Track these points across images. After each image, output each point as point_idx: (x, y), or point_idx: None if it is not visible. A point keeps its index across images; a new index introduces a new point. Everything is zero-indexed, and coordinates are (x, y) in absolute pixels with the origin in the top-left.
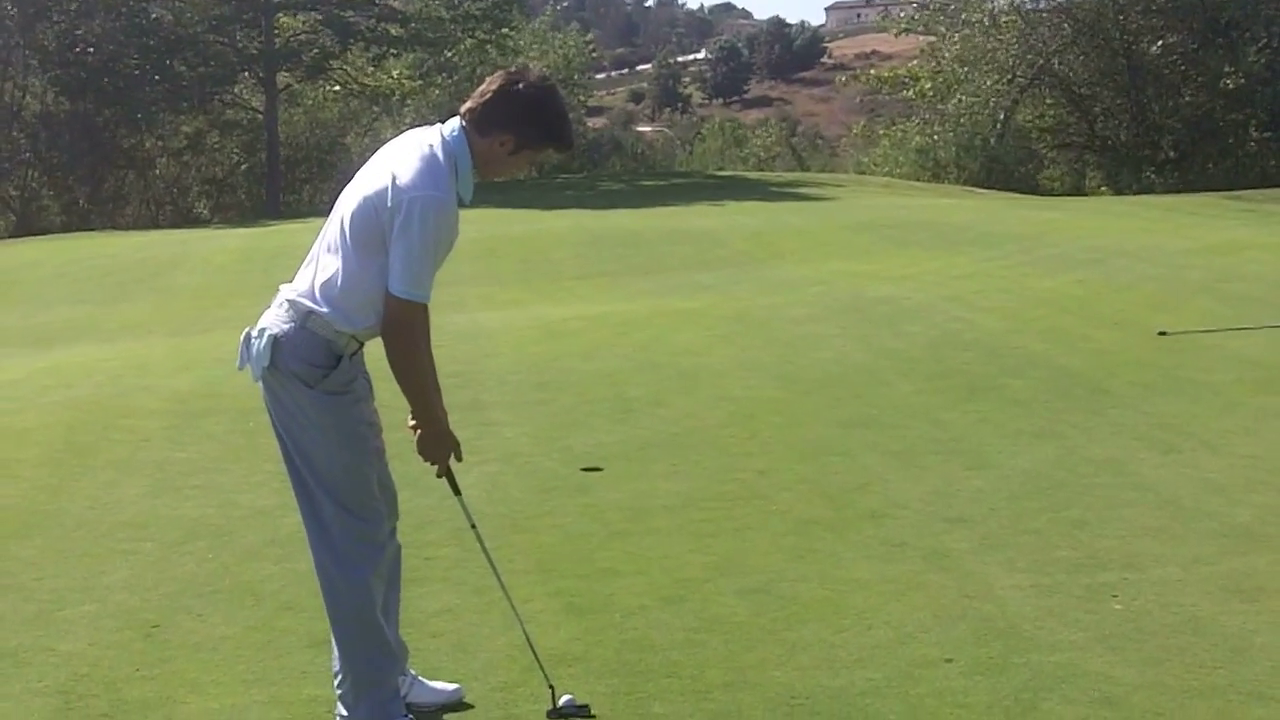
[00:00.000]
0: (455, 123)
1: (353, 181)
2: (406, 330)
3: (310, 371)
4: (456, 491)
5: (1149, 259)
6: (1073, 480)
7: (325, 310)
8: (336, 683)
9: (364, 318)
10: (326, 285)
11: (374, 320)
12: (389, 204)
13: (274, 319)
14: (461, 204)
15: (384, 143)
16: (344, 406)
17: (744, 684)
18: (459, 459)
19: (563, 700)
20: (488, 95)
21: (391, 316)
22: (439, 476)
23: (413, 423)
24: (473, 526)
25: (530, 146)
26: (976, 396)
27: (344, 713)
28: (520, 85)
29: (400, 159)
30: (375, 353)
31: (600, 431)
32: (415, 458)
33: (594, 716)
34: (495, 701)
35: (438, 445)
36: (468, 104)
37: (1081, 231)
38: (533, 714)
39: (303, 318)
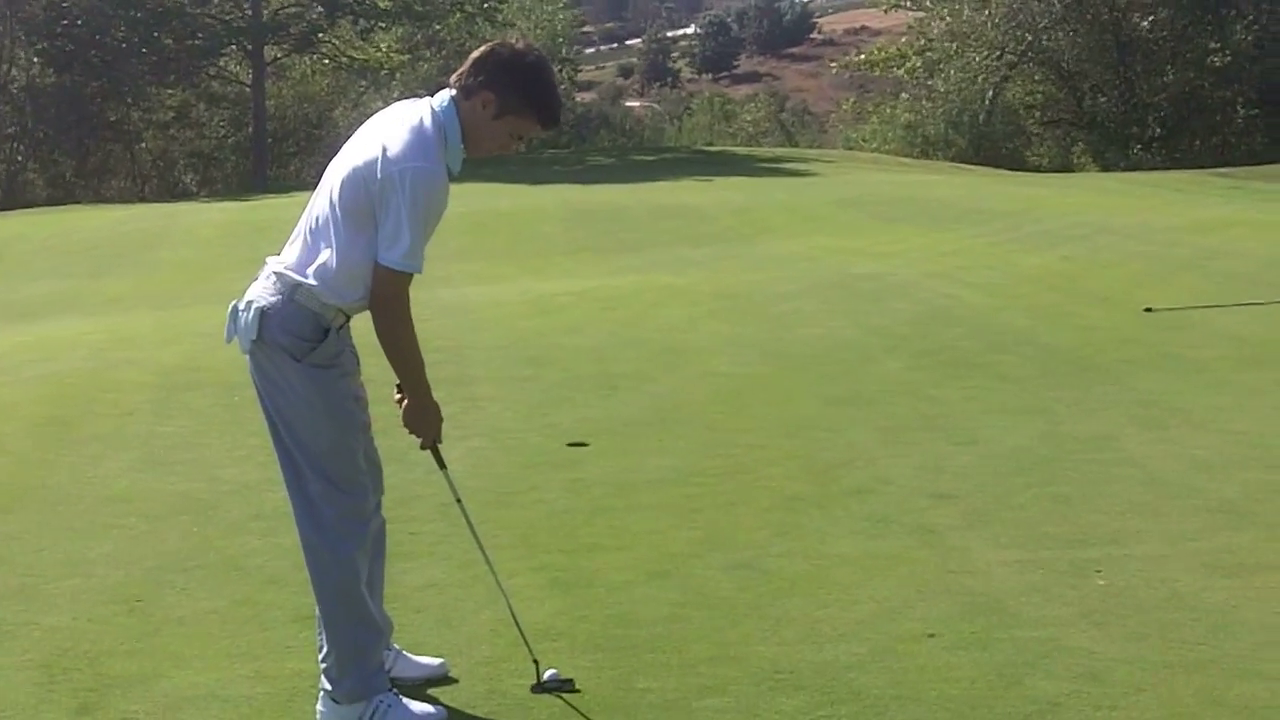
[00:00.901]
0: (445, 94)
1: (340, 153)
2: (395, 302)
3: (297, 344)
4: (441, 465)
5: (1136, 236)
6: (1059, 456)
7: (313, 283)
8: (321, 656)
9: (352, 290)
10: (314, 258)
11: (362, 293)
12: (378, 176)
13: (261, 291)
14: (450, 176)
15: (372, 115)
16: (330, 380)
17: (729, 658)
18: (438, 439)
19: (547, 675)
20: (474, 56)
21: (380, 288)
22: (423, 449)
23: (399, 396)
24: (458, 501)
25: (512, 111)
26: (963, 373)
27: (328, 687)
28: (503, 48)
29: (389, 131)
30: (362, 327)
31: (586, 407)
32: (400, 432)
33: (578, 690)
34: (480, 676)
35: (424, 417)
36: (455, 73)
37: (1068, 208)
38: (517, 689)
39: (290, 290)
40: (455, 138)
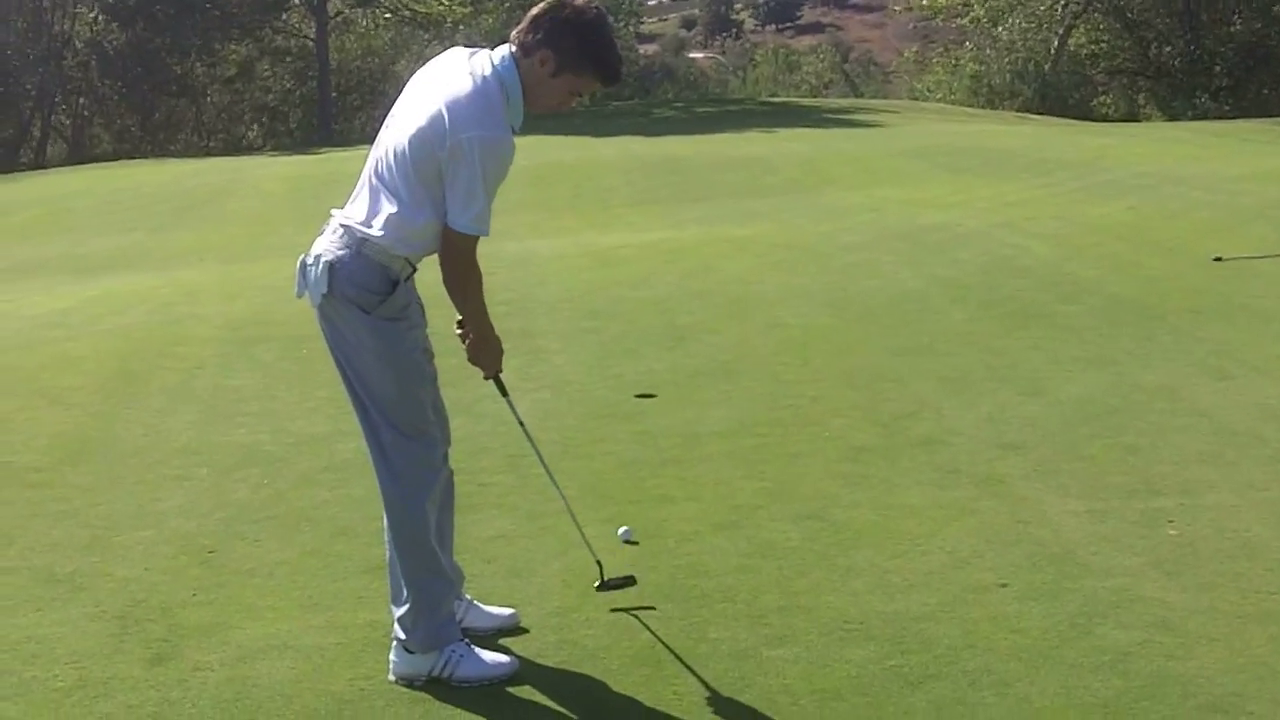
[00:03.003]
0: (505, 49)
1: (400, 104)
2: (465, 259)
3: (367, 297)
4: (504, 393)
5: (1202, 185)
6: (1126, 407)
7: (380, 236)
8: (395, 607)
9: (420, 243)
10: (380, 211)
11: (429, 246)
12: (446, 143)
13: (328, 245)
14: (512, 131)
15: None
16: (399, 333)
17: (798, 609)
18: (500, 370)
19: (621, 531)
20: (533, 13)
21: (452, 249)
22: (486, 379)
23: (460, 330)
24: (520, 424)
25: (571, 69)
26: (1029, 323)
27: (401, 635)
28: (562, 6)
29: (453, 90)
30: (427, 279)
31: (651, 359)
32: (468, 384)
33: (636, 584)
34: (550, 626)
35: (487, 349)
36: (515, 29)
37: (1134, 158)
38: (588, 639)
39: (358, 244)
40: (516, 94)
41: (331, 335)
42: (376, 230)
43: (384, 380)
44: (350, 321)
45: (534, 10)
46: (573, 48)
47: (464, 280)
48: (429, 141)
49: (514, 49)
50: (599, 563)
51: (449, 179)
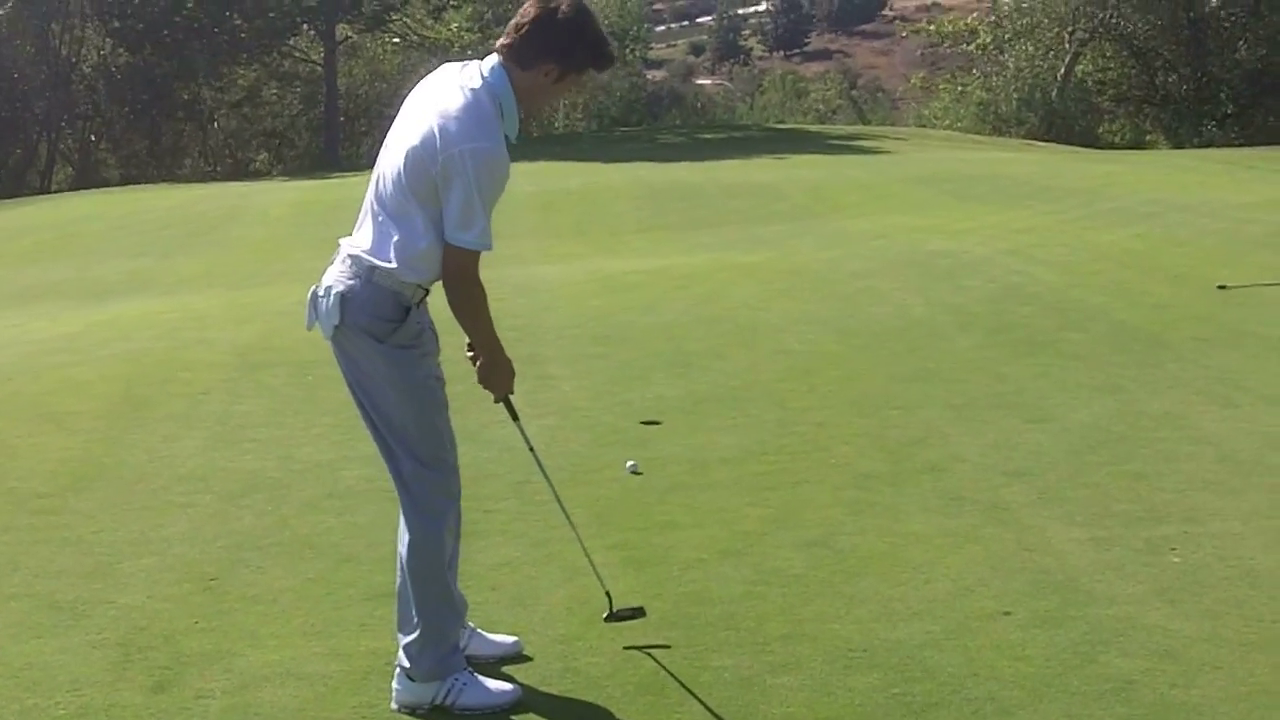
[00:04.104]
0: (494, 60)
1: (395, 129)
2: (468, 277)
3: (380, 325)
4: (515, 417)
5: (1209, 213)
6: (1132, 434)
7: (389, 264)
8: (402, 635)
9: (428, 268)
10: (385, 239)
11: (438, 268)
12: (439, 159)
13: (339, 276)
14: (507, 142)
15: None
16: (413, 360)
17: (803, 636)
18: (510, 392)
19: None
20: (525, 27)
21: (453, 266)
22: (496, 402)
23: (470, 353)
24: (531, 450)
25: (575, 71)
26: (1036, 351)
27: (405, 664)
28: (558, 12)
29: (444, 106)
30: (437, 304)
31: (659, 385)
32: (473, 410)
33: (645, 616)
34: (555, 654)
35: (497, 372)
36: (503, 39)
37: (1141, 185)
38: (592, 666)
39: (367, 272)
40: (510, 105)
41: (347, 366)
42: (384, 258)
43: (401, 409)
44: (365, 351)
45: (522, 20)
46: (572, 50)
47: (467, 299)
48: (422, 160)
49: (502, 59)
50: (608, 593)
51: (444, 195)
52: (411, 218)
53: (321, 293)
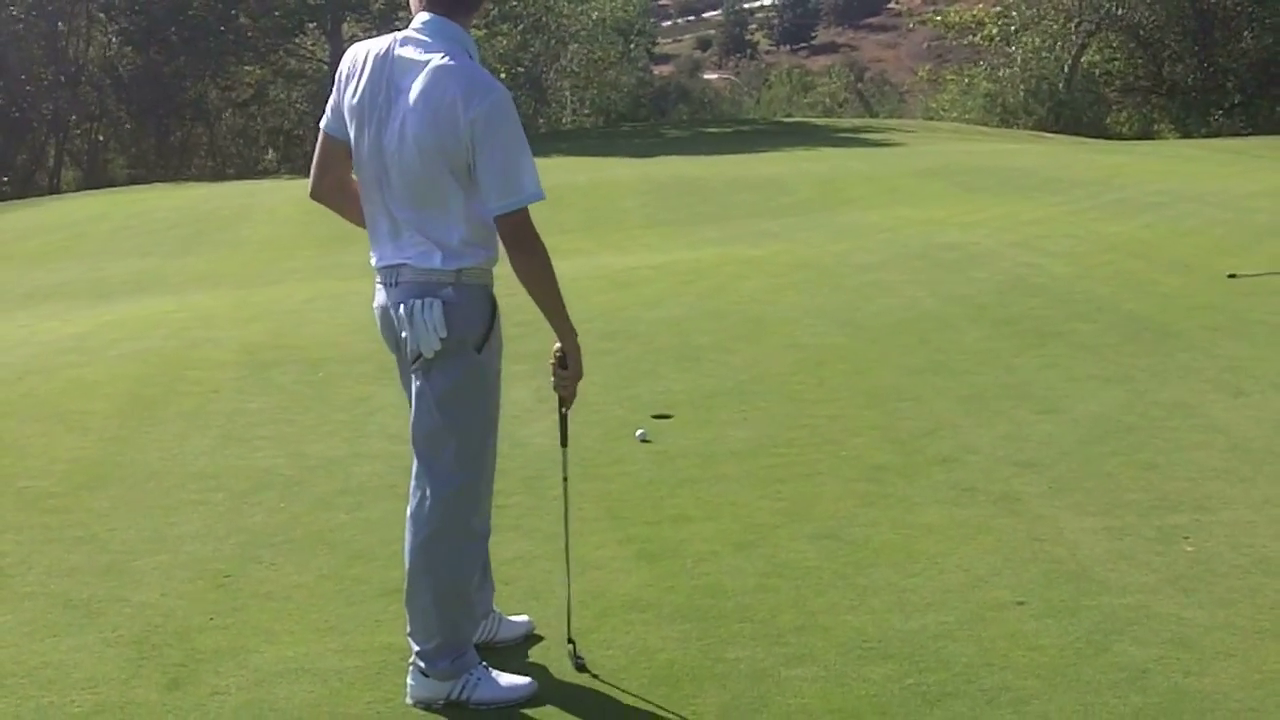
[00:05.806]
0: (427, 17)
1: (370, 131)
2: (530, 234)
3: (478, 330)
4: (565, 443)
5: (1217, 202)
6: (1142, 424)
7: (471, 259)
8: (413, 641)
9: (492, 237)
10: (450, 234)
11: (495, 238)
12: (463, 124)
13: (420, 288)
14: None
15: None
16: (496, 371)
17: (816, 628)
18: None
19: (638, 432)
20: None
21: (511, 227)
22: (563, 409)
23: (556, 357)
24: (564, 480)
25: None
26: (1045, 341)
27: (421, 664)
28: None
29: (434, 85)
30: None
31: (668, 379)
32: None
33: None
34: (568, 648)
35: (578, 353)
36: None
37: (1149, 175)
38: (605, 659)
39: (452, 276)
40: (474, 47)
41: (427, 384)
42: (465, 254)
43: (475, 419)
44: (460, 364)
45: None
46: None
47: (536, 258)
48: (441, 138)
49: (439, 12)
50: (571, 641)
51: (478, 161)
52: (446, 202)
53: (411, 307)
